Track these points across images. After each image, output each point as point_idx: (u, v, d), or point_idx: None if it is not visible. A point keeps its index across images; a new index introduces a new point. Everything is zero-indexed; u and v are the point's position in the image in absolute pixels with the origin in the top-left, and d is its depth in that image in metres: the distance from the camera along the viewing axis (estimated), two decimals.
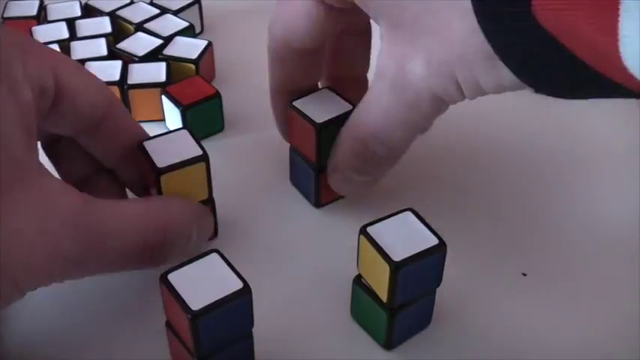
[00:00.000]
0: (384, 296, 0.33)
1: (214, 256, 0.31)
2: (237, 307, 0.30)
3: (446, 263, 0.33)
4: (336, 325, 0.36)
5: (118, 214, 0.32)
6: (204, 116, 0.46)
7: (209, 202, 0.38)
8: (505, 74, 0.30)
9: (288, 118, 0.41)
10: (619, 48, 0.25)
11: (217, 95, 0.46)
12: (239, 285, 0.30)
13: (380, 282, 0.33)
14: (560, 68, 0.28)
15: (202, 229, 0.37)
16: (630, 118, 0.49)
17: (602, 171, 0.46)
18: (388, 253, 0.32)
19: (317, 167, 0.40)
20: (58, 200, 0.30)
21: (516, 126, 0.49)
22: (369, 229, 0.33)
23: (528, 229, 0.42)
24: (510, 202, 0.44)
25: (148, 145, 0.37)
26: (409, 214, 0.34)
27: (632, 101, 0.43)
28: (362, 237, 0.33)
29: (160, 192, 0.36)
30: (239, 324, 0.31)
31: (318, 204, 0.42)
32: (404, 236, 0.32)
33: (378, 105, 0.36)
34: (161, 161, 0.36)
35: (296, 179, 0.43)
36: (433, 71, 0.32)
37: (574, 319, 0.36)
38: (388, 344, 0.35)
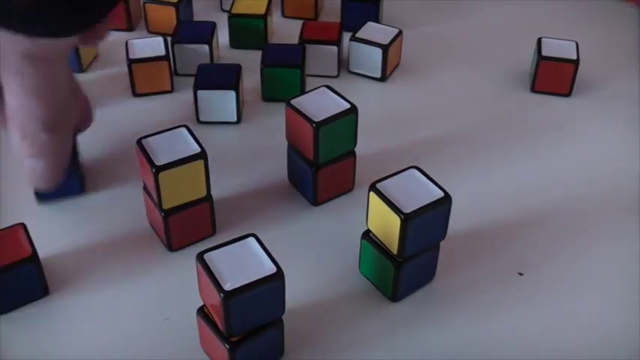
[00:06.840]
0: (394, 248, 0.34)
1: (251, 240, 0.32)
2: (270, 290, 0.30)
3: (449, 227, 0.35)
4: (336, 312, 0.36)
5: None
6: None
7: (207, 199, 0.39)
8: None
9: (286, 116, 0.41)
10: None
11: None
12: (273, 269, 0.30)
13: (390, 235, 0.34)
14: None
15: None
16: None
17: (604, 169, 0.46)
18: (398, 206, 0.33)
19: (315, 165, 0.41)
20: None
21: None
22: (378, 185, 0.34)
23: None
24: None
25: (146, 142, 0.37)
26: (414, 170, 0.36)
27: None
28: (372, 193, 0.34)
29: (158, 188, 0.36)
30: (270, 308, 0.31)
31: (315, 202, 0.42)
32: (411, 191, 0.34)
33: None
34: (160, 159, 0.36)
35: (294, 177, 0.44)
36: None
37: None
38: (394, 296, 0.37)
